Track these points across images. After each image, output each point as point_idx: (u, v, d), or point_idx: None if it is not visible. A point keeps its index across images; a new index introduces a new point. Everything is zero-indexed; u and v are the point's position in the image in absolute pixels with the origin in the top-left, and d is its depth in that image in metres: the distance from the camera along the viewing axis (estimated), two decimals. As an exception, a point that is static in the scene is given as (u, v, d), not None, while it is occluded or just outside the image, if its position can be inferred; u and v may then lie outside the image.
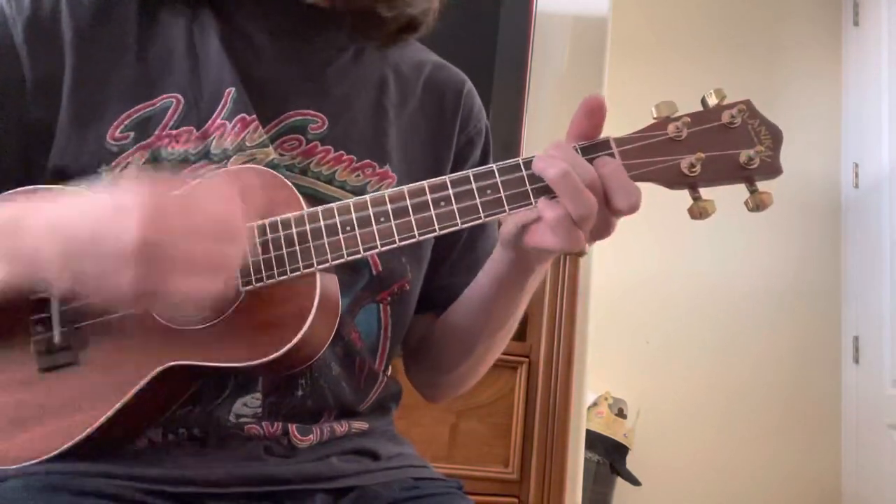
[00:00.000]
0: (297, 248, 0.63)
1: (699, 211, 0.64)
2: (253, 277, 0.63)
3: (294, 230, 0.63)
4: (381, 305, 0.76)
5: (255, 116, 0.71)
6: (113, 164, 0.68)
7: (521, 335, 1.54)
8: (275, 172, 0.67)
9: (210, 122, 0.71)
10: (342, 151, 0.75)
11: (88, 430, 0.61)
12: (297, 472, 0.69)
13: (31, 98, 0.69)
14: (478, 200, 0.62)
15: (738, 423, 3.03)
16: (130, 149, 0.69)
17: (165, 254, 0.53)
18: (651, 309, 3.03)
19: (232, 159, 0.70)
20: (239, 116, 0.71)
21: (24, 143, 0.70)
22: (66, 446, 0.61)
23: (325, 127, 0.75)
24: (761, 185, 0.65)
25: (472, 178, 0.63)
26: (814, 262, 3.22)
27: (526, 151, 1.69)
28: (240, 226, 0.58)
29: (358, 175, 0.75)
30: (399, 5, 0.77)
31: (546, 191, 0.62)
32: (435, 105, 0.83)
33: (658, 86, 3.11)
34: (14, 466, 0.62)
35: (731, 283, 3.11)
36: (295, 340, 0.61)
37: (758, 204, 0.64)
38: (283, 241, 0.63)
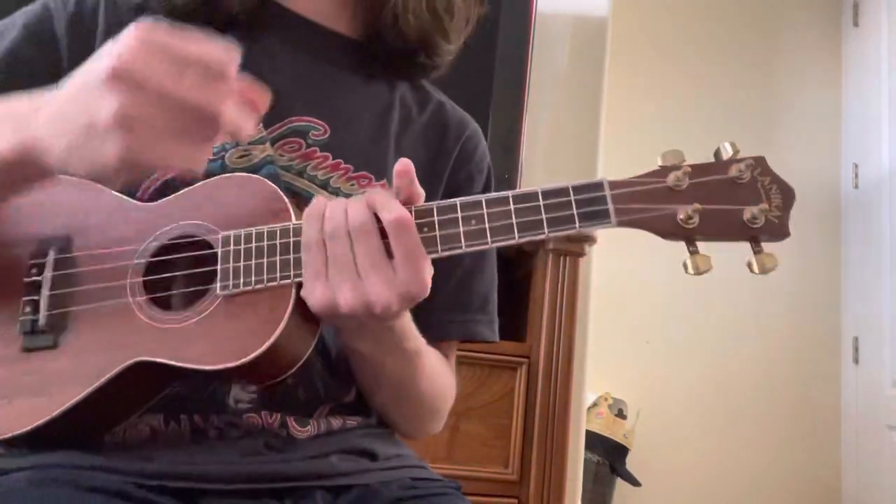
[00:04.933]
0: (278, 259, 0.63)
1: (691, 266, 0.63)
2: (230, 283, 0.63)
3: (278, 241, 0.64)
4: None
5: None
6: None
7: (521, 336, 1.54)
8: (271, 183, 0.68)
9: None
10: (340, 160, 0.77)
11: (54, 414, 0.62)
12: (297, 469, 0.69)
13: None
14: (461, 229, 0.62)
15: (738, 423, 3.03)
16: None
17: (144, 77, 0.51)
18: (651, 309, 3.03)
19: (229, 152, 0.73)
20: None
21: None
22: (32, 426, 0.62)
23: (326, 135, 0.77)
24: (766, 247, 0.63)
25: (458, 206, 0.63)
26: (813, 263, 3.22)
27: (526, 151, 1.69)
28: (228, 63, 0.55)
29: (353, 184, 0.77)
30: (439, 58, 0.83)
31: (530, 226, 0.61)
32: (436, 139, 0.85)
33: (658, 86, 3.11)
34: None
35: (731, 284, 3.11)
36: (261, 350, 0.60)
37: (761, 267, 0.63)
38: (265, 250, 0.63)
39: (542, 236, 0.61)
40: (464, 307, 0.84)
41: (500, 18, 1.70)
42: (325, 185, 0.75)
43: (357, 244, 0.60)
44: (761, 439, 3.04)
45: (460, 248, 0.62)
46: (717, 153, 0.63)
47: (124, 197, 0.70)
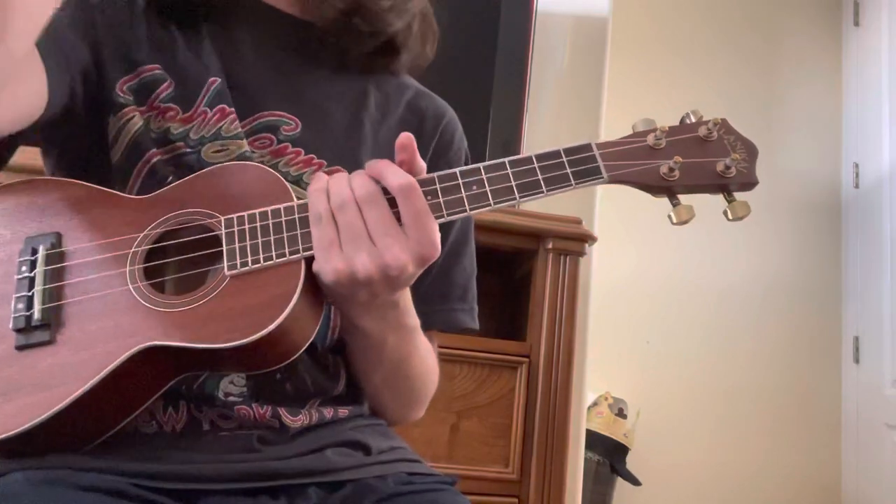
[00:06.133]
0: (285, 235, 0.65)
1: (675, 217, 0.68)
2: (238, 262, 0.64)
3: (283, 219, 0.65)
4: (332, 307, 0.76)
5: (233, 109, 0.74)
6: (118, 114, 0.73)
7: (521, 335, 1.54)
8: (268, 168, 0.69)
9: (194, 108, 0.74)
10: (313, 155, 0.76)
11: (57, 408, 0.60)
12: (292, 465, 0.69)
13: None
14: (463, 194, 0.66)
15: (737, 422, 3.03)
16: (131, 106, 0.73)
17: None
18: (651, 309, 3.03)
19: (206, 146, 0.73)
20: (219, 106, 0.74)
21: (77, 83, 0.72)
22: (31, 423, 0.60)
23: (297, 129, 0.76)
24: (738, 196, 0.69)
25: (458, 174, 0.67)
26: (814, 262, 3.22)
27: (526, 150, 1.69)
28: None
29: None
30: (376, 22, 0.80)
31: (529, 186, 0.66)
32: (414, 126, 0.85)
33: (658, 85, 3.11)
34: None
35: (732, 283, 3.11)
36: (278, 321, 0.61)
37: (735, 213, 0.68)
38: (271, 228, 0.65)
39: (541, 195, 0.66)
40: (444, 297, 0.85)
41: (500, 18, 1.70)
42: (297, 182, 0.75)
43: (367, 212, 0.63)
44: (761, 438, 3.04)
45: (465, 210, 0.65)
46: (682, 120, 0.71)
47: (113, 191, 0.70)
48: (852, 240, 3.23)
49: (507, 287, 1.69)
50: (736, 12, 3.34)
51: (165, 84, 0.74)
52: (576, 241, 1.54)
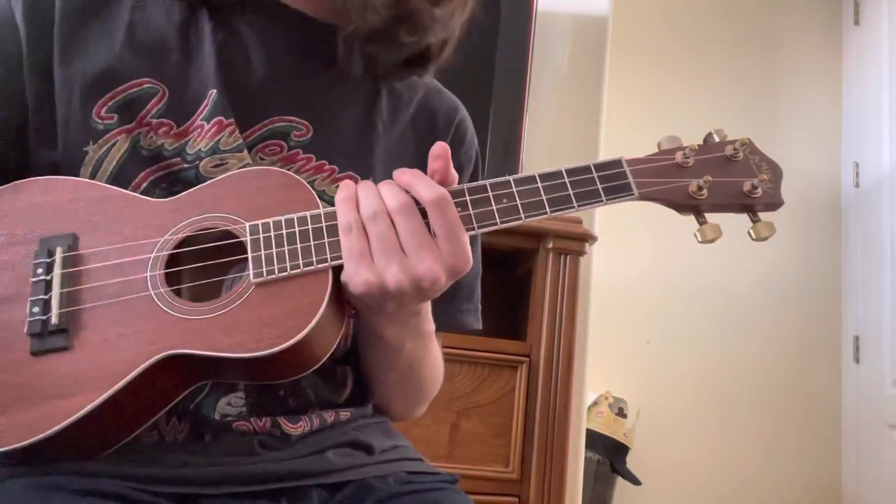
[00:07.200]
0: (312, 243, 0.64)
1: (700, 235, 0.68)
2: (264, 269, 0.63)
3: (310, 227, 0.64)
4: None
5: (232, 120, 0.71)
6: (100, 141, 0.69)
7: (521, 335, 1.54)
8: (292, 173, 0.68)
9: (190, 121, 0.71)
10: (324, 161, 0.74)
11: (74, 418, 0.58)
12: (292, 468, 0.68)
13: (27, 74, 0.69)
14: (494, 207, 0.65)
15: (737, 422, 3.03)
16: (114, 130, 0.69)
17: None
18: (651, 309, 3.03)
19: (204, 161, 0.69)
20: (216, 119, 0.70)
21: (23, 120, 0.69)
22: (45, 434, 0.58)
23: (308, 135, 0.74)
24: (763, 217, 0.70)
25: (488, 186, 0.66)
26: (814, 262, 3.22)
27: (526, 151, 1.69)
28: None
29: (337, 187, 0.72)
30: (422, 33, 0.77)
31: (560, 201, 0.66)
32: (426, 125, 0.83)
33: (658, 85, 3.11)
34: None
35: (732, 283, 3.11)
36: (305, 332, 0.60)
37: (759, 234, 0.69)
38: (297, 235, 0.64)
39: (572, 210, 0.66)
40: (452, 298, 0.84)
41: (500, 18, 1.70)
42: None
43: (401, 223, 0.62)
44: (761, 438, 3.04)
45: (496, 224, 0.65)
46: (707, 138, 0.71)
47: (130, 192, 0.68)
48: (852, 239, 3.23)
49: (507, 287, 1.69)
50: (736, 11, 3.34)
51: (157, 97, 0.70)
52: (576, 240, 1.54)
